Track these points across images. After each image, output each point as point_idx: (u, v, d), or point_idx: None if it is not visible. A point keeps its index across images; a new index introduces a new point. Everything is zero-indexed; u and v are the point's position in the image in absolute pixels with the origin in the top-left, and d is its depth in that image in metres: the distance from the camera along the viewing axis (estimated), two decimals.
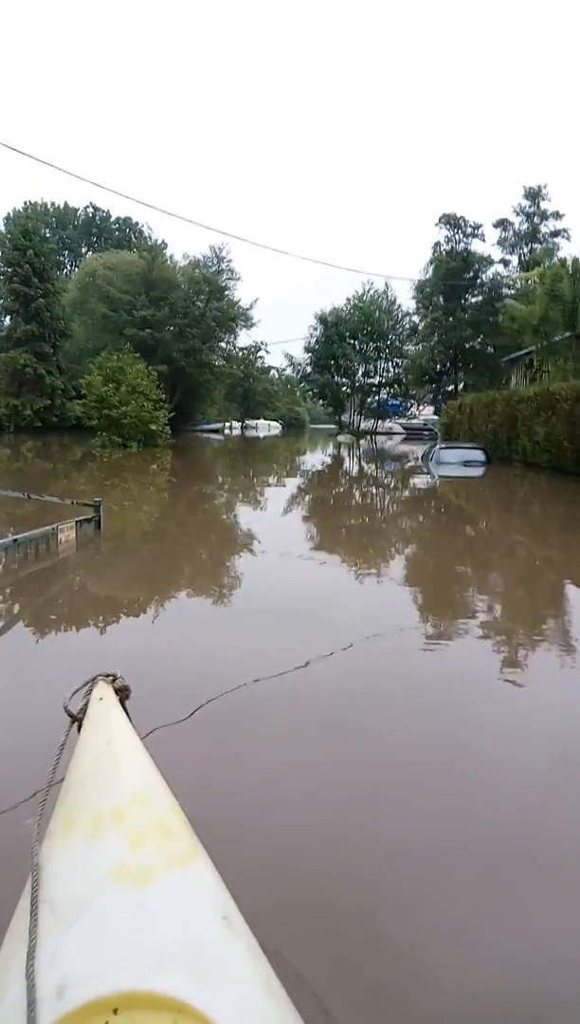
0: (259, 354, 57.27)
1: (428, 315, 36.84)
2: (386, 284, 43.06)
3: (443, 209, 37.03)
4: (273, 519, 11.36)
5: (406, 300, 41.66)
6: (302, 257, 49.14)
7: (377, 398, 45.21)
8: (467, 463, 18.76)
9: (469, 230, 35.25)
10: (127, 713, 1.51)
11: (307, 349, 43.40)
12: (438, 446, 20.66)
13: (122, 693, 1.57)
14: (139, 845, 1.04)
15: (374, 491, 16.86)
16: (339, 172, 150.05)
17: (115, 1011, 0.79)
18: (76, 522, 7.86)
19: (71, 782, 1.25)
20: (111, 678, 1.59)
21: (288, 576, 6.96)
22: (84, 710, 1.49)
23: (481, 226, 35.31)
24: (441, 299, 36.01)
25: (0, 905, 1.18)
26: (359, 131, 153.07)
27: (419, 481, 18.36)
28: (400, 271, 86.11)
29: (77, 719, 1.48)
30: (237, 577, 7.15)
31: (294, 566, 7.43)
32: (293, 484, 17.32)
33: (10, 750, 3.04)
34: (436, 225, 35.46)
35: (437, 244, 35.82)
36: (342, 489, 17.26)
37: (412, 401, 45.20)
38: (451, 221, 35.18)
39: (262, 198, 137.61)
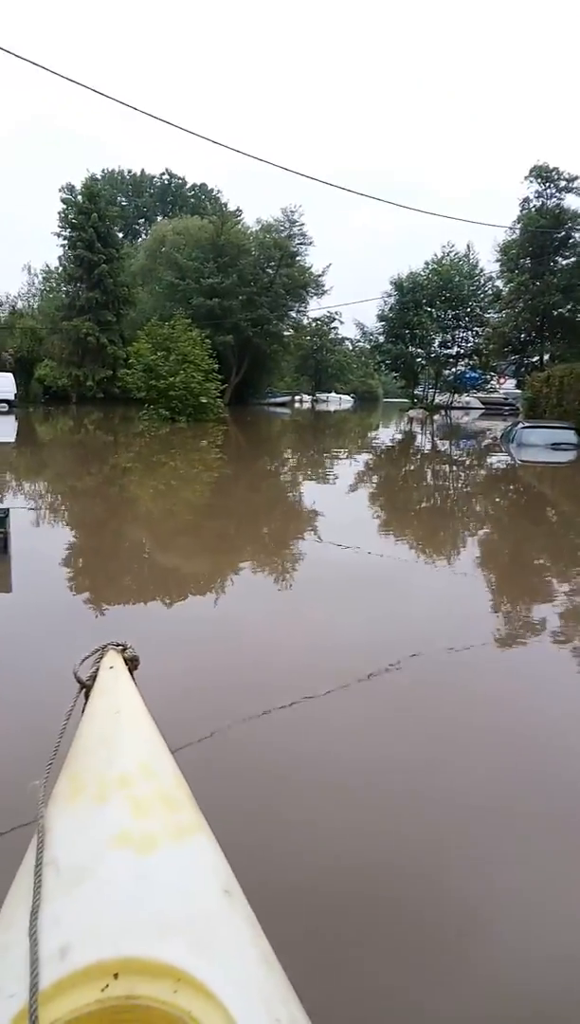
0: (332, 324, 55.29)
1: (514, 279, 33.68)
2: (468, 246, 39.89)
3: (535, 159, 33.39)
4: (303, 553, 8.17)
5: (489, 264, 38.37)
6: (377, 199, 45.39)
7: (454, 370, 42.30)
8: (555, 446, 16.12)
9: (563, 183, 31.77)
10: (136, 683, 1.51)
11: (380, 317, 40.81)
12: (520, 425, 17.97)
13: (131, 663, 1.58)
14: (144, 814, 1.05)
15: (442, 482, 14.87)
16: (425, 117, 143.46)
17: (116, 975, 0.81)
18: None
19: (78, 747, 1.26)
20: (121, 647, 1.61)
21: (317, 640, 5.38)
22: (93, 677, 1.50)
23: (577, 178, 31.72)
24: (528, 261, 32.83)
25: (6, 863, 1.17)
26: (444, 71, 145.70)
27: (497, 466, 16.14)
28: (485, 230, 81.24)
29: (86, 686, 1.48)
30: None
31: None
32: (351, 473, 15.45)
33: None
34: (526, 179, 32.15)
35: (526, 200, 32.53)
36: (404, 477, 15.36)
37: (492, 374, 42.00)
38: (542, 174, 31.79)
39: (332, 142, 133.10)
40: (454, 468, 16.28)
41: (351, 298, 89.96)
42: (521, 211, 32.62)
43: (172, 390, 22.42)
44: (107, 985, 0.80)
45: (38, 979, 0.79)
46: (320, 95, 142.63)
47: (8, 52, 10.90)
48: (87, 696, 1.47)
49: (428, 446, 22.56)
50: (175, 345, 23.36)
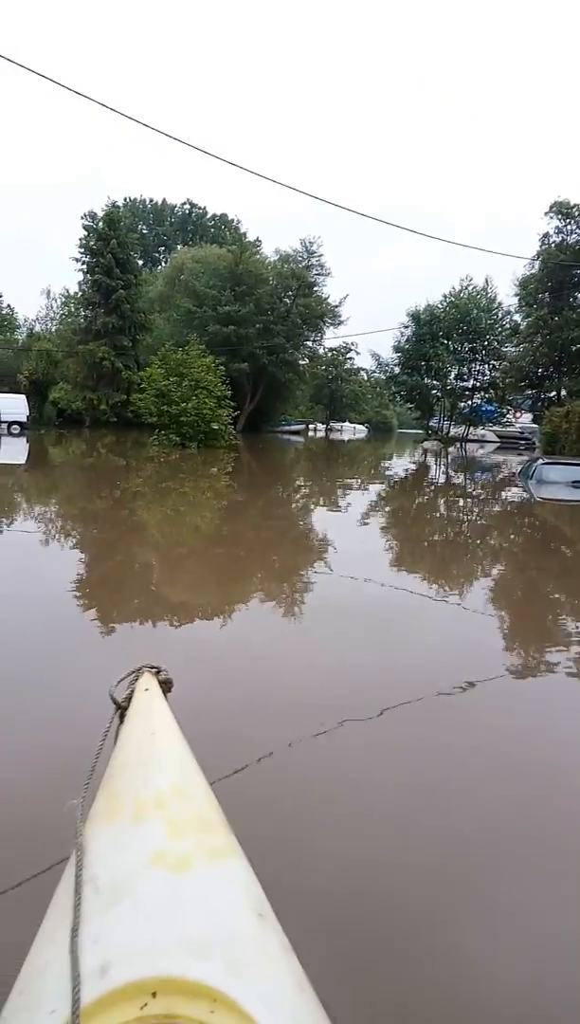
0: (348, 355, 55.41)
1: (532, 313, 33.56)
2: (486, 280, 39.89)
3: (556, 193, 33.43)
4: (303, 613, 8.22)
5: (507, 298, 38.26)
6: (398, 226, 44.70)
7: (470, 403, 42.02)
8: (576, 484, 15.66)
9: None
10: (169, 706, 1.52)
11: (397, 348, 40.77)
12: (540, 461, 17.42)
13: (165, 686, 1.60)
14: (179, 835, 1.06)
15: (458, 515, 14.39)
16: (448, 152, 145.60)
17: (154, 994, 0.81)
18: None
19: (115, 767, 1.28)
20: (155, 670, 1.63)
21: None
22: (129, 699, 1.53)
23: None
24: (547, 296, 32.71)
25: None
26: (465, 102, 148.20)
27: (514, 504, 15.64)
28: (503, 265, 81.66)
29: (122, 707, 1.52)
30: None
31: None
32: (362, 505, 15.02)
33: None
34: (546, 215, 32.19)
35: (545, 235, 32.54)
36: (419, 510, 14.91)
37: (508, 407, 41.70)
38: (563, 210, 31.82)
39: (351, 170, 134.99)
40: (470, 503, 15.83)
41: (367, 330, 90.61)
42: (541, 246, 32.63)
43: (184, 416, 22.15)
44: (145, 1004, 0.80)
45: (80, 996, 0.80)
46: (338, 130, 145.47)
47: (46, 78, 10.79)
48: (122, 717, 1.50)
49: (444, 478, 22.11)
50: (188, 371, 23.18)
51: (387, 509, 13.54)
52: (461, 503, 15.42)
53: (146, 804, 1.12)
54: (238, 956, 0.88)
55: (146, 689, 1.55)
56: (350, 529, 10.33)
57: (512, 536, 11.37)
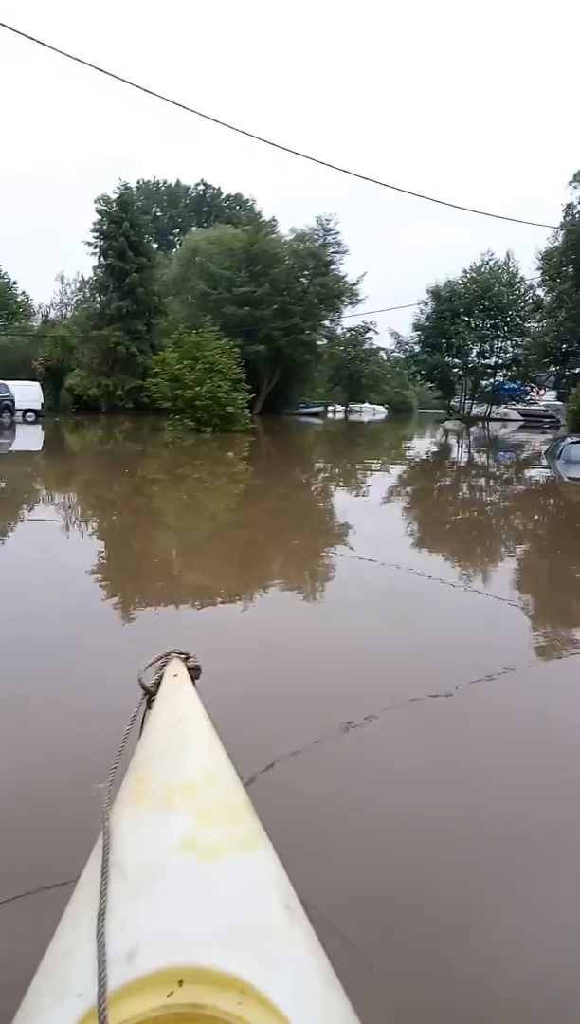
0: (367, 335, 54.43)
1: (555, 287, 32.51)
2: (507, 254, 38.78)
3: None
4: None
5: (529, 272, 37.12)
6: (420, 195, 42.76)
7: (492, 381, 41.05)
8: None
9: None
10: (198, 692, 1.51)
11: (416, 326, 39.92)
12: (568, 440, 16.60)
13: (194, 672, 1.59)
14: (208, 823, 1.05)
15: (484, 496, 13.87)
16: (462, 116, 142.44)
17: (180, 982, 0.81)
18: None
19: (143, 753, 1.27)
20: (184, 656, 1.62)
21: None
22: (157, 684, 1.52)
23: None
24: (571, 269, 31.64)
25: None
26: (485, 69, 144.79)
27: (542, 485, 15.01)
28: (526, 239, 79.65)
29: (150, 692, 1.51)
30: None
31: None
32: (386, 488, 14.50)
33: None
34: (570, 184, 31.01)
35: (569, 206, 31.38)
36: (443, 493, 14.40)
37: (532, 384, 40.68)
38: None
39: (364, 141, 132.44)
40: (494, 484, 15.26)
41: (387, 313, 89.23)
42: (564, 217, 31.50)
43: (198, 400, 21.70)
44: (172, 992, 0.80)
45: (106, 981, 0.79)
46: (354, 114, 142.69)
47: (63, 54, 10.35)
48: (150, 703, 1.49)
49: (467, 459, 21.51)
50: (202, 353, 22.69)
51: (411, 495, 13.06)
52: (484, 485, 14.87)
53: (175, 791, 1.10)
54: (266, 948, 0.87)
55: (175, 675, 1.54)
56: (372, 516, 9.89)
57: (548, 522, 10.84)
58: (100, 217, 35.01)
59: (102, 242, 34.78)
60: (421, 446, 27.53)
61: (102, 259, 35.12)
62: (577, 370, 33.17)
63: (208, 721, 1.37)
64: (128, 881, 0.94)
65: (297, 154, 17.41)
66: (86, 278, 39.27)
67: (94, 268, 36.72)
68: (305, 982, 0.86)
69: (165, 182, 71.81)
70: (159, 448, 18.75)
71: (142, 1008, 0.79)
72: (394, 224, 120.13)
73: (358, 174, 34.91)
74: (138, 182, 66.34)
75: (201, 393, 21.65)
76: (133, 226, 34.63)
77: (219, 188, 71.98)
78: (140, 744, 1.32)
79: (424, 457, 21.84)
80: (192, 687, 1.51)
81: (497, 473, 17.39)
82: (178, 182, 71.96)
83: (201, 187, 72.08)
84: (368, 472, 16.50)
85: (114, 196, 35.19)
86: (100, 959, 0.81)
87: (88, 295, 38.95)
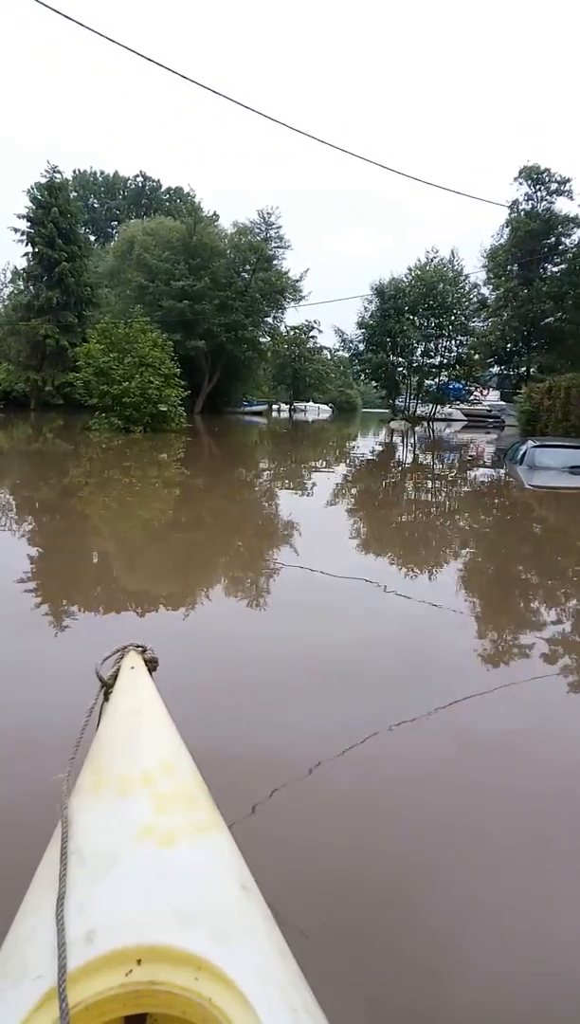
0: (311, 333, 53.52)
1: (501, 285, 32.20)
2: (452, 252, 38.37)
3: (524, 161, 31.70)
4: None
5: (474, 271, 36.77)
6: (387, 167, 39.39)
7: (437, 380, 40.64)
8: (574, 469, 13.47)
9: (554, 186, 30.36)
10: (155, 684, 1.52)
11: (361, 324, 39.12)
12: (530, 443, 15.29)
13: (151, 664, 1.59)
14: (165, 810, 1.07)
15: (439, 512, 12.86)
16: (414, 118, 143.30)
17: (139, 961, 0.83)
18: None
19: (101, 744, 1.28)
20: (141, 649, 1.62)
21: None
22: (114, 677, 1.52)
23: (569, 180, 30.26)
24: (516, 267, 31.35)
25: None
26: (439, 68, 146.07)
27: (504, 495, 13.96)
28: (469, 240, 79.96)
29: (108, 685, 1.51)
30: None
31: None
32: (321, 498, 13.40)
33: None
34: (515, 180, 30.73)
35: (515, 203, 31.10)
36: (387, 505, 13.35)
37: (476, 385, 40.43)
38: (532, 175, 30.39)
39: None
40: (453, 490, 14.31)
41: (330, 312, 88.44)
42: (510, 214, 31.23)
43: (126, 396, 20.06)
44: (131, 970, 0.82)
45: (66, 962, 0.81)
46: (308, 106, 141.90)
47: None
48: (107, 695, 1.48)
49: (421, 460, 20.63)
50: (132, 346, 21.07)
51: (361, 501, 11.95)
52: (442, 491, 13.89)
53: (133, 780, 1.11)
54: (223, 926, 0.88)
55: (132, 667, 1.54)
56: (328, 538, 8.71)
57: (522, 537, 9.87)
58: (31, 204, 32.98)
59: (30, 228, 32.70)
60: (366, 446, 26.61)
61: (30, 247, 33.06)
62: (522, 370, 32.93)
63: (165, 711, 1.38)
64: (87, 867, 0.94)
65: (259, 112, 16.01)
66: (18, 268, 37.10)
67: (23, 256, 34.64)
68: (261, 957, 0.87)
69: (102, 172, 69.50)
70: (88, 448, 17.19)
71: (101, 987, 0.80)
72: (332, 221, 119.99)
73: (314, 135, 33.71)
74: (74, 171, 63.92)
75: (129, 389, 20.01)
76: (63, 213, 32.71)
77: (158, 181, 70.07)
78: (97, 735, 1.31)
79: (378, 459, 20.85)
80: (149, 679, 1.51)
81: (450, 477, 16.47)
82: (116, 173, 69.77)
83: (140, 179, 70.01)
84: (315, 474, 15.34)
85: (43, 179, 33.18)
86: (60, 941, 0.83)
87: (22, 286, 36.79)
